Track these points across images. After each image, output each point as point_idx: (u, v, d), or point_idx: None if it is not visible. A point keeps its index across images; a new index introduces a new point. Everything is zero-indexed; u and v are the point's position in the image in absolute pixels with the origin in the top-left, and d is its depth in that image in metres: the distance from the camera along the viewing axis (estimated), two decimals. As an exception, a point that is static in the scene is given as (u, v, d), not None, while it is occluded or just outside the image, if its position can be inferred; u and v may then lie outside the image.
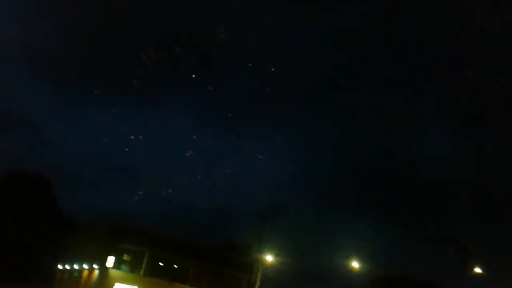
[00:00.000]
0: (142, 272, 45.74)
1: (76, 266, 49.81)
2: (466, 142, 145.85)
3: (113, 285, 43.31)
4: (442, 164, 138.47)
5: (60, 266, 55.00)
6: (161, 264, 47.15)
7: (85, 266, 47.50)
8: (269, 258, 44.30)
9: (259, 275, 45.00)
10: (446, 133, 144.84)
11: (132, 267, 45.70)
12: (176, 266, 47.69)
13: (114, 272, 43.84)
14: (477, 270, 40.58)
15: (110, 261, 43.87)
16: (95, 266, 45.42)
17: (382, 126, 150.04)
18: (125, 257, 45.64)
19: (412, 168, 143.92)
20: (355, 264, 45.53)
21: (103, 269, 43.83)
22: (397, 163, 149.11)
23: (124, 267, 45.30)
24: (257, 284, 44.64)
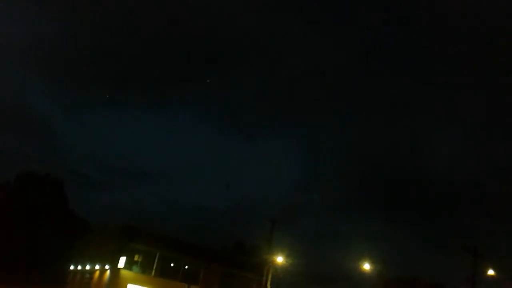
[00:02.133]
0: (153, 273, 45.97)
1: (88, 267, 50.06)
2: (479, 145, 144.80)
3: (125, 285, 43.49)
4: (455, 168, 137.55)
5: (72, 267, 55.30)
6: (172, 265, 47.34)
7: (97, 267, 47.74)
8: (279, 259, 44.27)
9: (269, 276, 44.97)
10: (459, 137, 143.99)
11: (143, 267, 45.96)
12: (187, 267, 47.84)
13: (125, 273, 44.05)
14: (490, 272, 40.23)
15: (122, 261, 44.11)
16: (106, 266, 45.65)
17: (395, 129, 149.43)
18: (136, 257, 45.91)
19: (425, 172, 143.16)
20: (366, 266, 45.33)
21: (115, 269, 44.04)
22: (410, 167, 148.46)
23: (135, 267, 45.56)
24: (268, 285, 44.58)
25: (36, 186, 63.80)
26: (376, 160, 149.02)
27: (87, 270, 50.13)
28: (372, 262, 45.77)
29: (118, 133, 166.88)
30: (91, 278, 48.66)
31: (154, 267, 46.04)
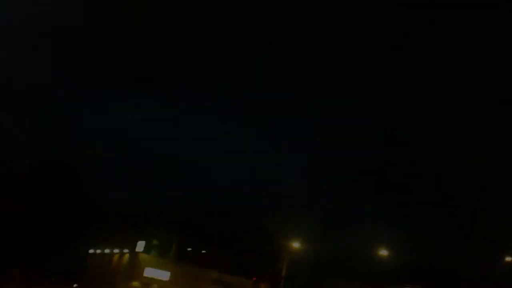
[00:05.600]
0: (171, 257, 46.68)
1: (107, 251, 50.97)
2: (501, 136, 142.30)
3: (143, 269, 44.29)
4: (472, 153, 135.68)
5: (91, 251, 56.31)
6: (189, 249, 47.97)
7: (116, 251, 48.60)
8: (295, 245, 44.56)
9: (285, 262, 45.33)
10: (484, 127, 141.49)
11: (162, 252, 46.65)
12: (204, 252, 48.44)
13: (144, 256, 44.83)
14: (508, 259, 40.00)
15: (140, 245, 44.85)
16: (125, 250, 46.47)
17: (413, 118, 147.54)
18: (155, 242, 46.63)
19: (443, 158, 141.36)
20: (382, 252, 45.37)
21: (134, 253, 44.87)
22: (427, 152, 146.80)
23: (153, 251, 46.28)
24: (284, 270, 44.99)
25: (54, 171, 64.54)
26: (397, 146, 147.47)
27: (106, 253, 51.05)
28: (388, 248, 45.72)
29: (140, 116, 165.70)
30: (110, 261, 49.59)
31: (172, 251, 46.74)
